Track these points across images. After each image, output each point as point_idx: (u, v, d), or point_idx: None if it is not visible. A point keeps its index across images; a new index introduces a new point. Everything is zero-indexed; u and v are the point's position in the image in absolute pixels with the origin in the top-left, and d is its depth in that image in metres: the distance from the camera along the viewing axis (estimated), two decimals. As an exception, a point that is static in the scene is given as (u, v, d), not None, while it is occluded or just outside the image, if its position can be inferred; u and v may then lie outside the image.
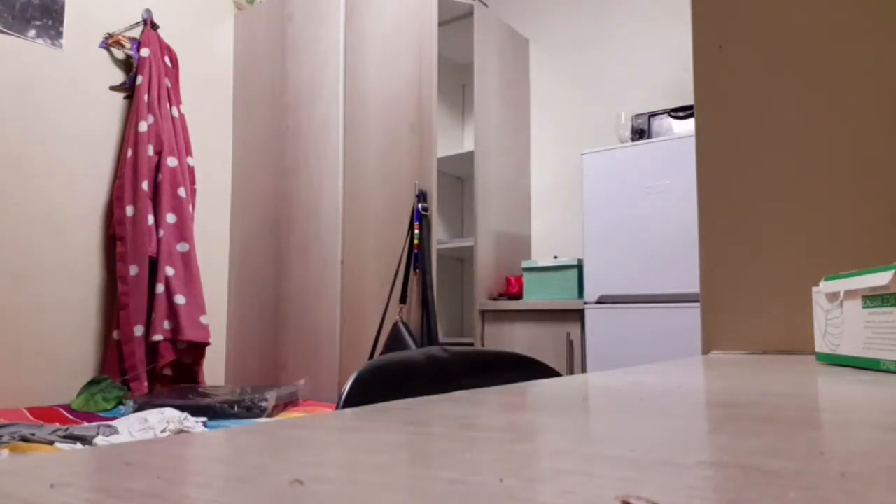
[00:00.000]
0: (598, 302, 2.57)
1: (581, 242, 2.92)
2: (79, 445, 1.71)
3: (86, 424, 2.01)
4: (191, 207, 2.88)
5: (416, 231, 2.51)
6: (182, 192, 2.81)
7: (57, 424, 2.00)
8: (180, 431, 1.89)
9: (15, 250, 2.49)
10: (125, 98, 2.86)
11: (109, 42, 2.81)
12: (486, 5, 3.07)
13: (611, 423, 0.27)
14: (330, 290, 2.81)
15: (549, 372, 0.85)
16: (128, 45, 2.85)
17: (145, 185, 2.70)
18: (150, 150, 2.75)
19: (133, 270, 2.65)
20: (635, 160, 2.54)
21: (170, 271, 2.72)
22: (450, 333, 3.28)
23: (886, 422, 0.26)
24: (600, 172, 2.62)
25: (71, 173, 2.67)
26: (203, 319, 2.78)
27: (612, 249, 2.56)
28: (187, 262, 2.80)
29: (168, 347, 2.68)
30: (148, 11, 2.91)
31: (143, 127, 2.74)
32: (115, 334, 2.66)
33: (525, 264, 2.89)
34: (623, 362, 2.49)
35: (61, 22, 2.66)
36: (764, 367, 0.55)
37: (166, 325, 2.67)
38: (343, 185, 2.84)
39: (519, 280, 2.92)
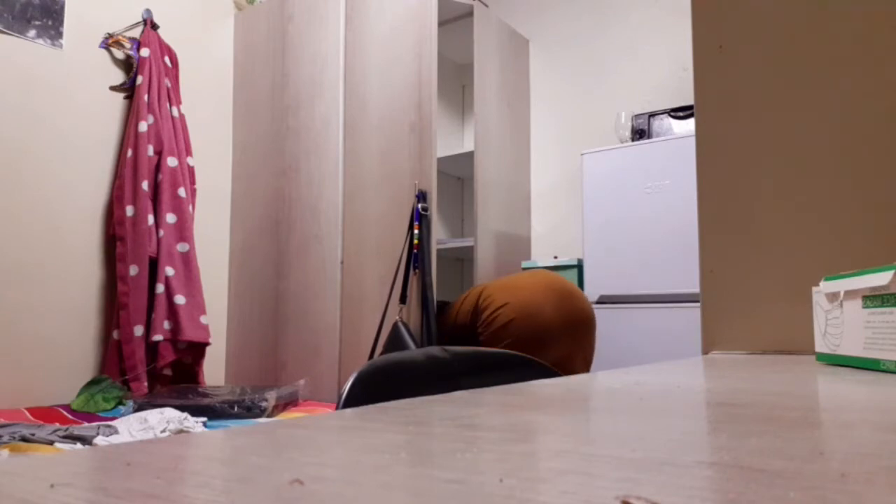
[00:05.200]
0: (598, 302, 2.57)
1: (581, 242, 2.92)
2: (79, 445, 1.71)
3: (86, 424, 2.01)
4: (191, 207, 2.88)
5: (416, 231, 2.51)
6: (182, 192, 2.81)
7: (57, 424, 2.00)
8: (180, 431, 1.89)
9: (14, 250, 2.49)
10: (125, 98, 2.86)
11: (109, 42, 2.81)
12: (486, 5, 3.07)
13: (611, 423, 0.27)
14: (330, 290, 2.81)
15: (549, 372, 0.85)
16: (128, 45, 2.85)
17: (145, 185, 2.70)
18: (150, 150, 2.75)
19: (133, 270, 2.65)
20: (635, 160, 2.54)
21: (170, 271, 2.72)
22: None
23: (886, 422, 0.26)
24: (600, 172, 2.62)
25: (71, 173, 2.67)
26: (203, 319, 2.78)
27: (612, 249, 2.56)
28: (187, 262, 2.80)
29: (168, 347, 2.68)
30: (148, 11, 2.91)
31: (143, 127, 2.74)
32: (115, 334, 2.66)
33: (525, 264, 2.89)
34: (623, 362, 2.49)
35: (61, 22, 2.66)
36: (764, 367, 0.55)
37: (166, 325, 2.67)
38: (343, 185, 2.84)
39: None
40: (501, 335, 2.15)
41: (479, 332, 2.22)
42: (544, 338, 2.14)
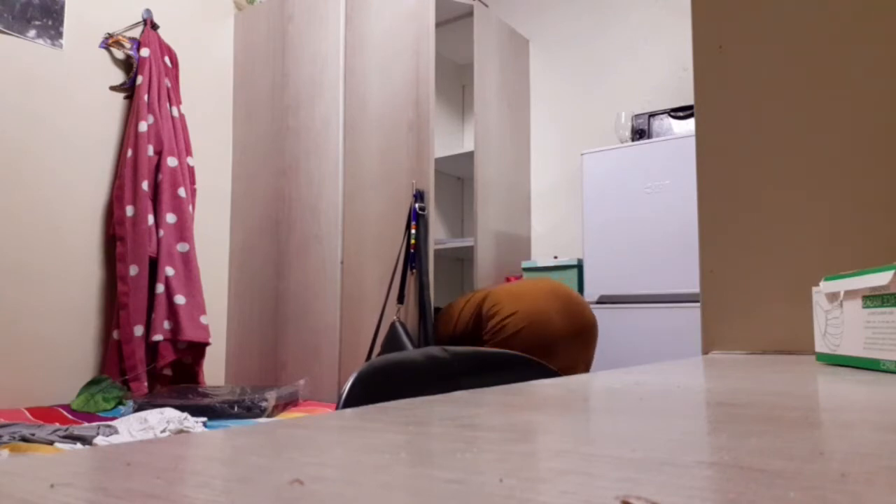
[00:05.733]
0: (599, 302, 2.57)
1: (581, 242, 2.92)
2: (79, 445, 1.71)
3: (86, 424, 2.01)
4: (191, 207, 2.88)
5: (413, 231, 2.50)
6: (182, 192, 2.81)
7: (57, 424, 2.00)
8: (180, 431, 1.89)
9: (15, 250, 2.49)
10: (125, 98, 2.86)
11: (109, 42, 2.81)
12: (485, 5, 3.07)
13: (611, 423, 0.27)
14: (330, 290, 2.81)
15: (548, 372, 0.85)
16: (128, 45, 2.85)
17: (145, 185, 2.70)
18: (150, 150, 2.75)
19: (133, 270, 2.65)
20: (635, 160, 2.54)
21: (170, 271, 2.72)
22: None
23: (886, 422, 0.26)
24: (600, 172, 2.62)
25: (71, 173, 2.67)
26: (203, 319, 2.78)
27: (612, 249, 2.56)
28: (187, 262, 2.80)
29: (168, 347, 2.68)
30: (148, 11, 2.91)
31: (143, 127, 2.74)
32: (115, 334, 2.66)
33: (525, 264, 2.89)
34: (623, 362, 2.49)
35: (61, 22, 2.66)
36: (764, 367, 0.55)
37: (166, 325, 2.67)
38: (343, 185, 2.84)
39: (519, 280, 2.92)
40: (510, 345, 2.12)
41: (484, 341, 2.18)
42: (552, 347, 2.13)
